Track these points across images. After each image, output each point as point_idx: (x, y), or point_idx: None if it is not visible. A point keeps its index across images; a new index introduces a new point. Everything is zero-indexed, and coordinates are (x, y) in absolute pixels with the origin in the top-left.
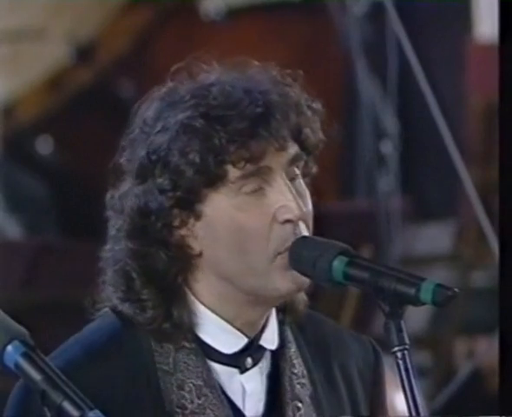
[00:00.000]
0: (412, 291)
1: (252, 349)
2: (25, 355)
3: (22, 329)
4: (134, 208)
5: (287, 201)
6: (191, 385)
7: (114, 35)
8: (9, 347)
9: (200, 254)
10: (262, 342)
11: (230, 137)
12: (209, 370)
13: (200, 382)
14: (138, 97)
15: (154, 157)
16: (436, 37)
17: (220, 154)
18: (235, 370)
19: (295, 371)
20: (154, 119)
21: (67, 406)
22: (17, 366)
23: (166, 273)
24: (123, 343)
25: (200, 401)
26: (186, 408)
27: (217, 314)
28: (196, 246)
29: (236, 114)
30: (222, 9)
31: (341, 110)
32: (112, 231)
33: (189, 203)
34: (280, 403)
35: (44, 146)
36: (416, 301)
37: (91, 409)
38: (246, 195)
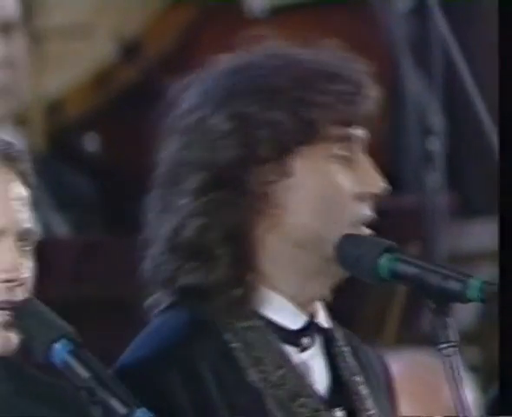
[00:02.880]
0: (459, 288)
1: (310, 328)
2: (72, 353)
3: (70, 327)
4: (227, 157)
5: (373, 175)
6: (266, 360)
7: (158, 32)
8: (57, 345)
9: (282, 216)
10: (317, 321)
11: (333, 97)
12: (281, 344)
13: (274, 357)
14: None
15: (251, 109)
16: (482, 33)
17: (320, 111)
18: (295, 349)
19: (345, 350)
20: (244, 84)
21: (114, 403)
22: (65, 363)
23: (245, 230)
24: (192, 334)
25: (279, 373)
26: (269, 381)
27: (279, 289)
28: (281, 205)
29: (340, 76)
30: (266, 6)
31: (387, 107)
32: (188, 187)
33: (282, 157)
34: (340, 379)
35: (91, 143)
36: (463, 299)
37: (138, 407)
38: (335, 159)
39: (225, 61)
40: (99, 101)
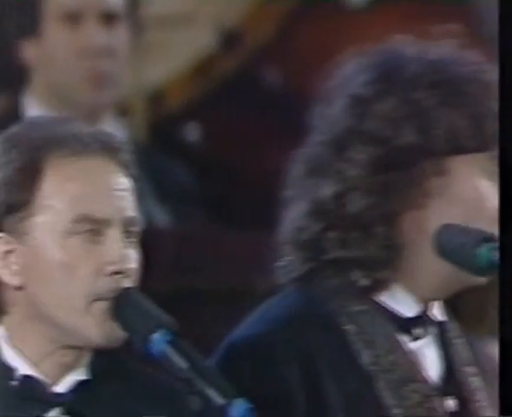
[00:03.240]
0: None
1: (424, 319)
2: (171, 343)
3: (169, 317)
4: (406, 141)
5: None
6: (378, 344)
7: (258, 22)
8: (156, 336)
9: (426, 214)
10: (431, 313)
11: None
12: (394, 331)
13: (386, 342)
14: (283, 84)
15: (431, 102)
16: None
17: (490, 122)
18: (407, 337)
19: (459, 341)
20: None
21: (212, 393)
22: (163, 354)
23: (402, 216)
24: (307, 313)
25: (391, 358)
26: (380, 365)
27: (402, 280)
28: (429, 202)
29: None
30: None
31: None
32: (357, 158)
33: (449, 155)
34: (452, 369)
35: (192, 133)
36: None
37: (236, 397)
38: (483, 172)
39: (396, 46)
40: (200, 91)
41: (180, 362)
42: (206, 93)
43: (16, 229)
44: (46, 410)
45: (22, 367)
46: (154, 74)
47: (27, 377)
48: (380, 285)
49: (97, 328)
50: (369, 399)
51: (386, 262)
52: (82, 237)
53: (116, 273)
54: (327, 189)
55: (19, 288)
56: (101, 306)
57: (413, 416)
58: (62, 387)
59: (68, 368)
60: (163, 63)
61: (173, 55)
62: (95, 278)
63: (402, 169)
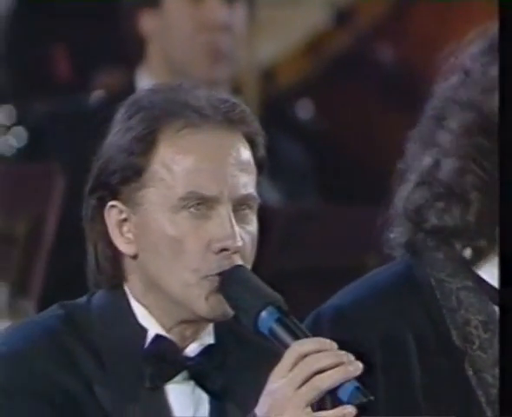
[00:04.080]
0: None
1: None
2: (279, 321)
3: (277, 295)
4: (496, 105)
5: None
6: (476, 321)
7: None
8: (264, 313)
9: None
10: None
11: None
12: (491, 307)
13: (484, 318)
14: (396, 62)
15: None
16: None
17: None
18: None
19: None
20: None
21: None
22: (271, 331)
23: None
24: (407, 284)
25: (486, 336)
26: (473, 343)
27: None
28: None
29: None
30: None
31: None
32: (453, 125)
33: None
34: None
35: (304, 111)
36: None
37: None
38: None
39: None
40: (312, 68)
41: (288, 340)
42: (319, 70)
43: (129, 199)
44: (174, 372)
45: (154, 328)
46: (267, 51)
47: (160, 337)
48: (479, 255)
49: (205, 303)
50: (454, 378)
51: (483, 231)
52: (190, 213)
53: (224, 250)
54: (428, 159)
55: (134, 257)
56: (210, 281)
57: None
58: (190, 351)
59: (195, 333)
60: (276, 41)
61: (286, 32)
62: (203, 254)
63: (494, 135)
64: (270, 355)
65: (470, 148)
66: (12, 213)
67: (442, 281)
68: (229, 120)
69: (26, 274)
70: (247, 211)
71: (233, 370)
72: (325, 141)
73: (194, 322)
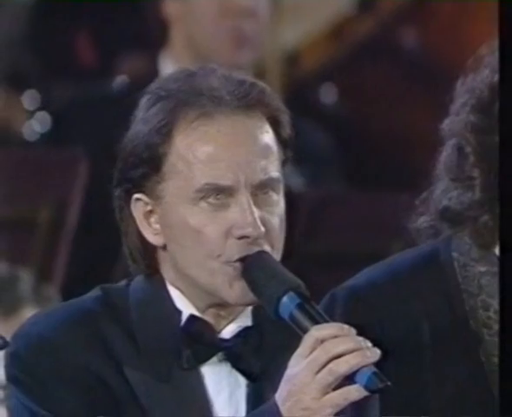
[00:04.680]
0: None
1: None
2: (300, 307)
3: (298, 281)
4: (486, 81)
5: None
6: (496, 306)
7: None
8: (285, 299)
9: None
10: None
11: None
12: None
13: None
14: (419, 47)
15: None
16: None
17: None
18: None
19: None
20: None
21: None
22: (292, 317)
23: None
24: (428, 267)
25: None
26: (491, 328)
27: None
28: None
29: None
30: None
31: None
32: (456, 105)
33: None
34: None
35: (328, 95)
36: None
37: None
38: None
39: None
40: (335, 53)
41: (308, 325)
42: (342, 55)
43: (152, 192)
44: (210, 354)
45: (189, 310)
46: (291, 36)
47: (195, 317)
48: (487, 230)
49: (230, 288)
50: (467, 363)
51: (486, 204)
52: (209, 204)
53: (244, 237)
54: (451, 148)
55: (163, 247)
56: (233, 268)
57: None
58: (227, 333)
59: (230, 315)
60: (300, 26)
61: (310, 17)
62: (223, 240)
63: (491, 113)
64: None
65: (463, 125)
66: (35, 198)
67: (465, 265)
68: (246, 104)
69: (49, 260)
70: (271, 193)
71: (270, 353)
72: (348, 125)
73: (227, 305)
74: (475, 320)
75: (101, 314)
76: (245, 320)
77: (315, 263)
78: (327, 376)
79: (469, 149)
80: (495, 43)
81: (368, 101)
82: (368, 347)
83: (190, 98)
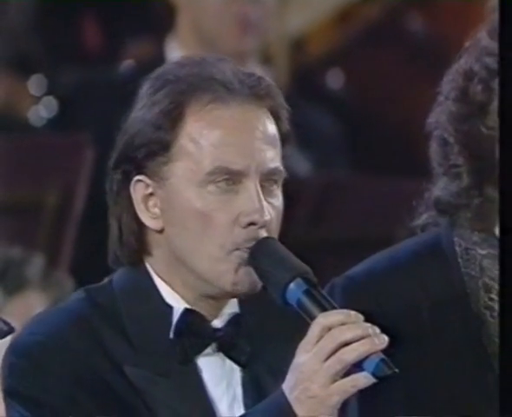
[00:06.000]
0: None
1: None
2: (307, 293)
3: (306, 267)
4: (460, 70)
5: None
6: (498, 287)
7: None
8: (292, 285)
9: None
10: None
11: None
12: None
13: None
14: (426, 32)
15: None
16: None
17: None
18: None
19: None
20: None
21: None
22: (299, 303)
23: (481, 141)
24: (429, 253)
25: None
26: (493, 310)
27: None
28: None
29: None
30: None
31: None
32: (439, 99)
33: None
34: None
35: (334, 80)
36: None
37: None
38: None
39: None
40: (342, 38)
41: (315, 312)
42: (349, 40)
43: (155, 173)
44: (204, 345)
45: (178, 304)
46: (297, 21)
47: (188, 310)
48: (482, 212)
49: (233, 277)
50: (469, 345)
51: (479, 188)
52: (218, 188)
53: (252, 224)
54: (436, 140)
55: (160, 232)
56: (238, 256)
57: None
58: (218, 323)
59: (218, 308)
60: (306, 11)
61: (316, 2)
62: (231, 228)
63: (478, 74)
64: (293, 321)
65: (445, 117)
66: (42, 184)
67: (467, 248)
68: (255, 94)
69: (56, 246)
70: (274, 186)
71: (260, 338)
72: (355, 110)
73: (217, 298)
74: (476, 302)
75: (91, 315)
76: (232, 308)
77: (322, 249)
78: (336, 364)
79: (451, 139)
80: (478, 34)
81: (374, 86)
82: (376, 334)
83: (202, 83)
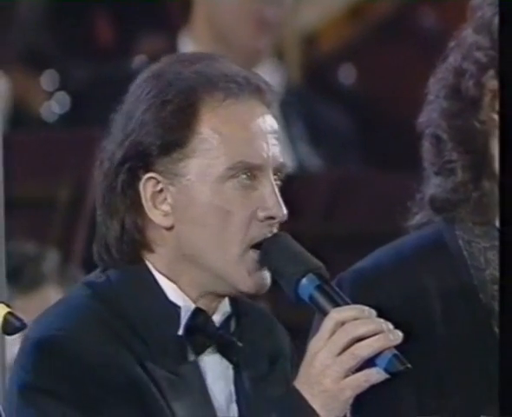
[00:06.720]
0: None
1: None
2: (319, 288)
3: (318, 262)
4: (449, 68)
5: None
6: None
7: None
8: (304, 280)
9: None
10: None
11: None
12: None
13: None
14: (438, 27)
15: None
16: None
17: None
18: None
19: None
20: None
21: None
22: (312, 298)
23: (475, 136)
24: (434, 246)
25: None
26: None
27: None
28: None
29: None
30: None
31: None
32: (429, 98)
33: None
34: None
35: (346, 76)
36: None
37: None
38: None
39: None
40: (355, 34)
41: (327, 307)
42: (361, 35)
43: (168, 170)
44: (208, 344)
45: (183, 302)
46: (310, 17)
47: (198, 309)
48: (480, 205)
49: (248, 276)
50: (480, 334)
51: (476, 181)
52: (238, 183)
53: (270, 218)
54: (429, 139)
55: (169, 229)
56: (254, 254)
57: None
58: (217, 322)
59: (217, 304)
60: (319, 6)
61: None
62: (249, 223)
63: (471, 71)
64: (269, 319)
65: (437, 114)
66: (54, 179)
67: (470, 241)
68: (259, 90)
69: (68, 240)
70: (278, 181)
71: (248, 336)
72: (367, 106)
73: (222, 295)
74: (485, 293)
75: (103, 312)
76: (226, 307)
77: (333, 244)
78: (349, 359)
79: (445, 136)
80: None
81: (387, 81)
82: (390, 330)
83: (213, 79)
